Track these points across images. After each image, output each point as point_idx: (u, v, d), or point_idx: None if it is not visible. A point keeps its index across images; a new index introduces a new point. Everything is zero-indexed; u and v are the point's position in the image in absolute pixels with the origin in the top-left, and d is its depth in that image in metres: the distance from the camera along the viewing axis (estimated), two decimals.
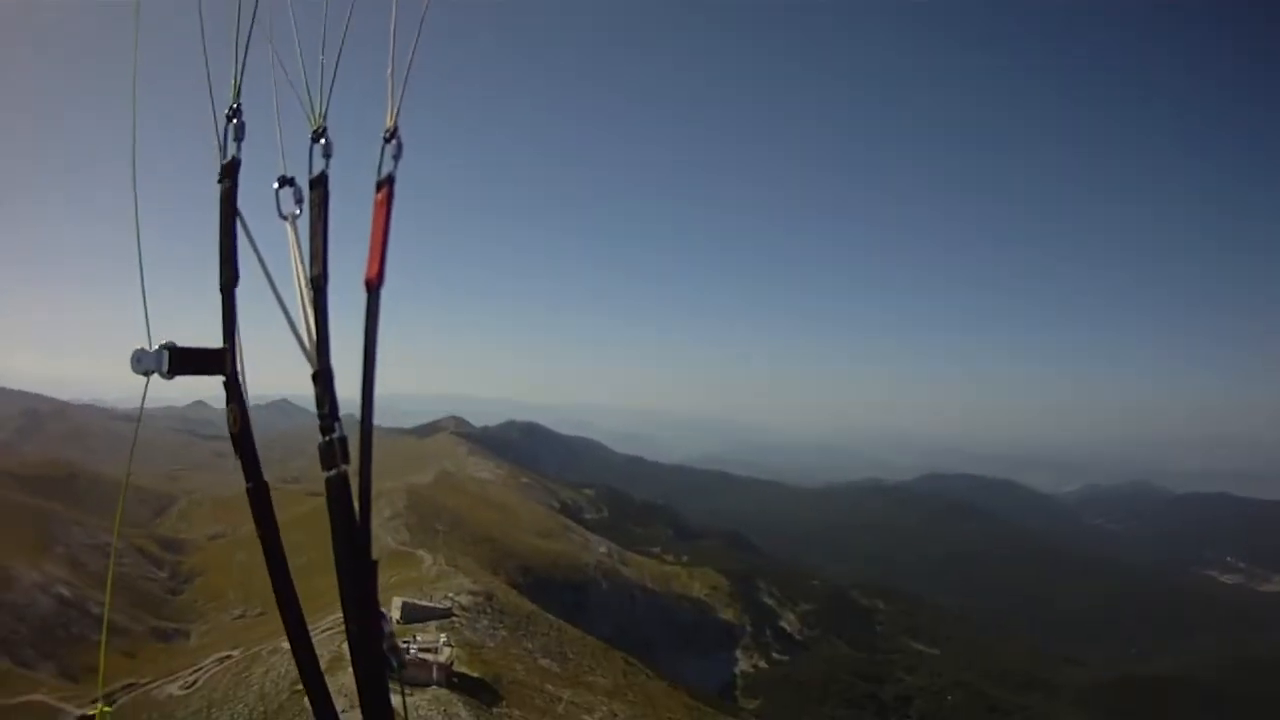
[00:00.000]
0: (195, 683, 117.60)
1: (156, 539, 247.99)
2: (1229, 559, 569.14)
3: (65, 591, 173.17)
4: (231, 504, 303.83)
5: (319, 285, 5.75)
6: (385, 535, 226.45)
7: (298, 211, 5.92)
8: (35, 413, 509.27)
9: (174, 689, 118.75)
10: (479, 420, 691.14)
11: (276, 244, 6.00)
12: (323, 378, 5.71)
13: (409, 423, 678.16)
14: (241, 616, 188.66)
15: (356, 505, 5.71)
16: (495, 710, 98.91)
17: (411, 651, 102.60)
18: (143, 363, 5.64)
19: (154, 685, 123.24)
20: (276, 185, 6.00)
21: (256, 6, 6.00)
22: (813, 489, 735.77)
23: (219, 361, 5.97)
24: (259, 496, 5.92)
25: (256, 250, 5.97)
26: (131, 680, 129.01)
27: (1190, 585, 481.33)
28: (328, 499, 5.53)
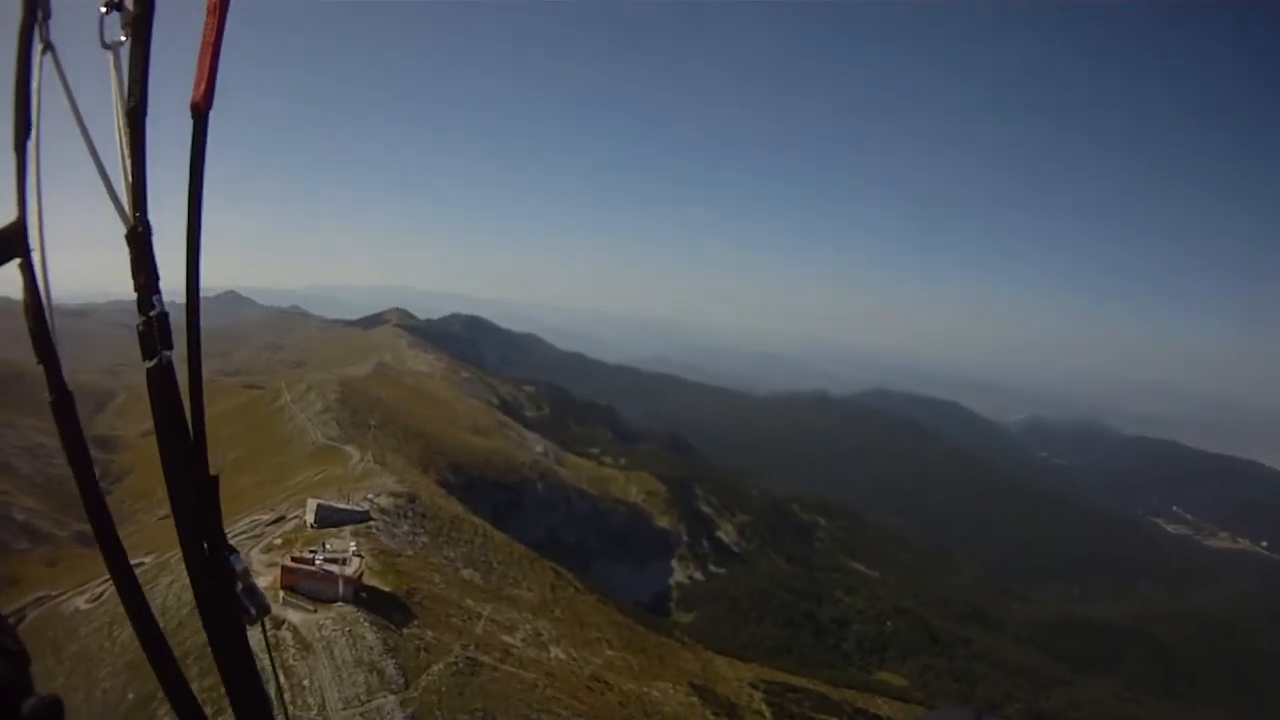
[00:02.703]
0: (102, 595, 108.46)
1: (90, 437, 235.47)
2: (1175, 509, 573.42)
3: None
4: None
5: (136, 119, 4.74)
6: (314, 429, 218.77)
7: (123, 39, 4.83)
8: None
9: (81, 602, 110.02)
10: (424, 314, 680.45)
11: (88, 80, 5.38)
12: (139, 237, 4.80)
13: (353, 314, 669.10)
14: (167, 517, 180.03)
15: (187, 403, 5.04)
16: (405, 630, 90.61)
17: (317, 562, 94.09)
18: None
19: (63, 598, 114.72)
20: (103, 9, 4.89)
21: None
22: (758, 397, 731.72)
23: (13, 240, 5.01)
24: (63, 410, 5.14)
25: (66, 85, 5.04)
26: (44, 592, 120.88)
27: (1136, 531, 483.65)
28: (150, 394, 4.83)
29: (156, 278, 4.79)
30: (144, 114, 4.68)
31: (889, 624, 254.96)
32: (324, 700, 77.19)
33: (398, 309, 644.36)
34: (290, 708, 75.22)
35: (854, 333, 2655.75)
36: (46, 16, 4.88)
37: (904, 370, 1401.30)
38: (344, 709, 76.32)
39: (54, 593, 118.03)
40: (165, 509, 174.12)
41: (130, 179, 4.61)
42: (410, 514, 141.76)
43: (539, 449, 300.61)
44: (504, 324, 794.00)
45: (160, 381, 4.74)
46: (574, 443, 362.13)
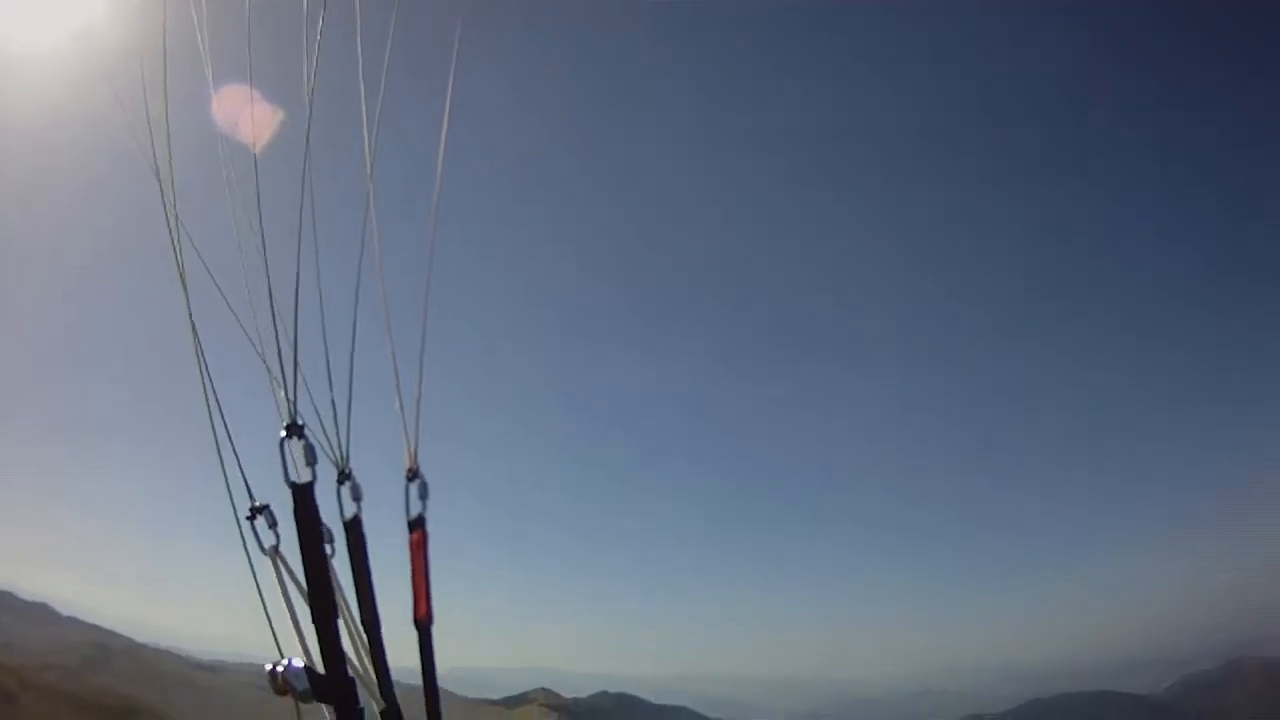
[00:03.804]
0: None
1: None
2: None
3: None
4: None
5: (371, 628, 5.67)
6: None
7: (330, 553, 5.50)
8: (105, 647, 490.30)
9: None
10: (570, 691, 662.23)
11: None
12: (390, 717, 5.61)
13: (497, 694, 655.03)
14: None
15: None
16: None
17: None
18: (284, 679, 5.08)
19: None
20: (248, 515, 5.58)
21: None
22: None
23: (344, 690, 5.37)
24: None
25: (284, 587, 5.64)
26: None
27: None
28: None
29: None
30: (377, 623, 5.66)
31: None
32: None
33: (543, 688, 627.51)
34: None
35: (1001, 650, 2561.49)
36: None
37: (1055, 674, 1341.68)
38: None
39: None
40: None
41: (374, 676, 5.53)
42: None
43: None
44: (656, 699, 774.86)
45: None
46: None
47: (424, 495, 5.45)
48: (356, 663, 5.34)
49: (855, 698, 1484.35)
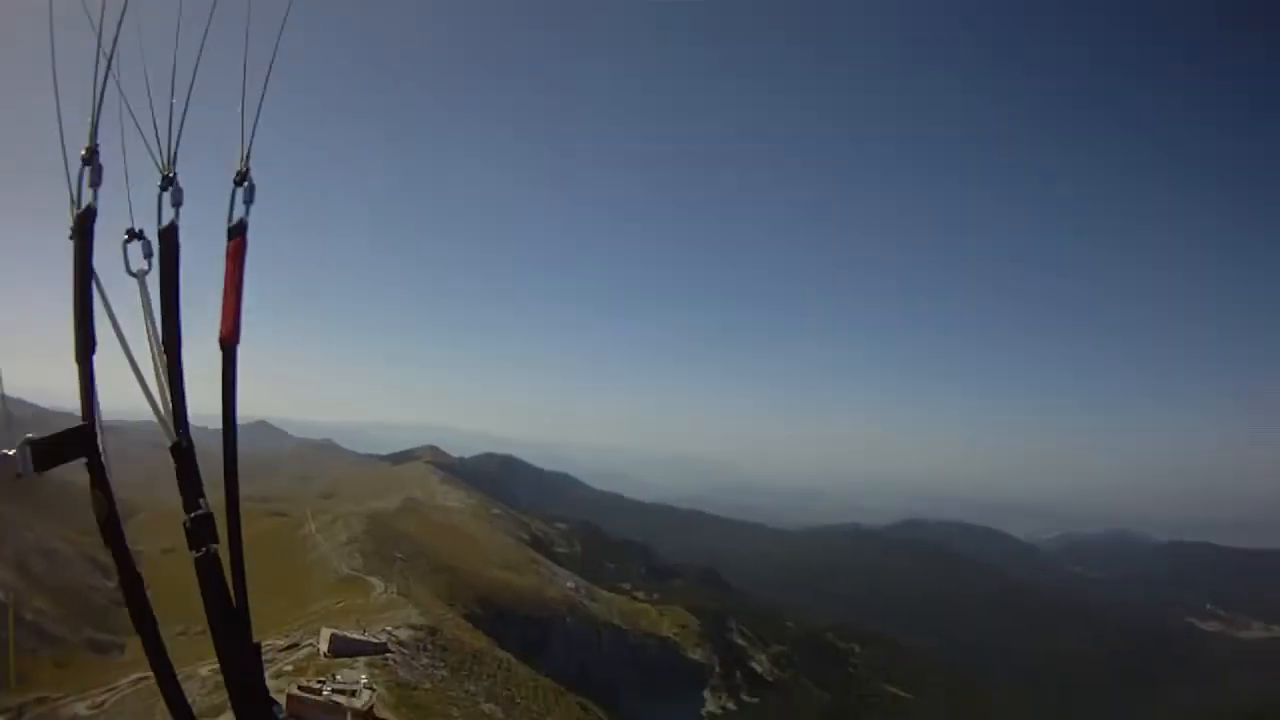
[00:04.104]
0: (104, 703, 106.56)
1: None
2: (1209, 606, 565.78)
3: (1, 595, 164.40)
4: None
5: (172, 349, 5.66)
6: (337, 560, 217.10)
7: (146, 267, 5.72)
8: (14, 419, 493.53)
9: (81, 708, 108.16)
10: (458, 452, 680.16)
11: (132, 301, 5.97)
12: (182, 453, 5.78)
13: (386, 450, 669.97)
14: (183, 633, 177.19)
15: (230, 585, 5.96)
16: None
17: (325, 692, 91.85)
18: (5, 466, 5.43)
19: (64, 701, 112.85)
20: (125, 238, 5.75)
21: (115, 46, 5.62)
22: (792, 532, 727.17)
23: (82, 441, 5.59)
24: (134, 593, 5.83)
25: (111, 313, 5.63)
26: (46, 693, 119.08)
27: (1171, 634, 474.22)
28: (199, 581, 5.73)
29: (200, 485, 5.74)
30: (178, 344, 5.60)
31: None
32: None
33: (431, 446, 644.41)
34: None
35: (885, 464, 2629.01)
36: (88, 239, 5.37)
37: (936, 498, 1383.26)
38: None
39: (56, 695, 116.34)
40: (180, 626, 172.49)
41: (170, 404, 5.55)
42: (430, 647, 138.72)
43: (570, 584, 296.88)
44: (539, 464, 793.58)
45: (207, 569, 5.68)
46: (606, 578, 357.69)
47: (250, 200, 5.72)
48: (155, 390, 5.55)
49: (736, 486, 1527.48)
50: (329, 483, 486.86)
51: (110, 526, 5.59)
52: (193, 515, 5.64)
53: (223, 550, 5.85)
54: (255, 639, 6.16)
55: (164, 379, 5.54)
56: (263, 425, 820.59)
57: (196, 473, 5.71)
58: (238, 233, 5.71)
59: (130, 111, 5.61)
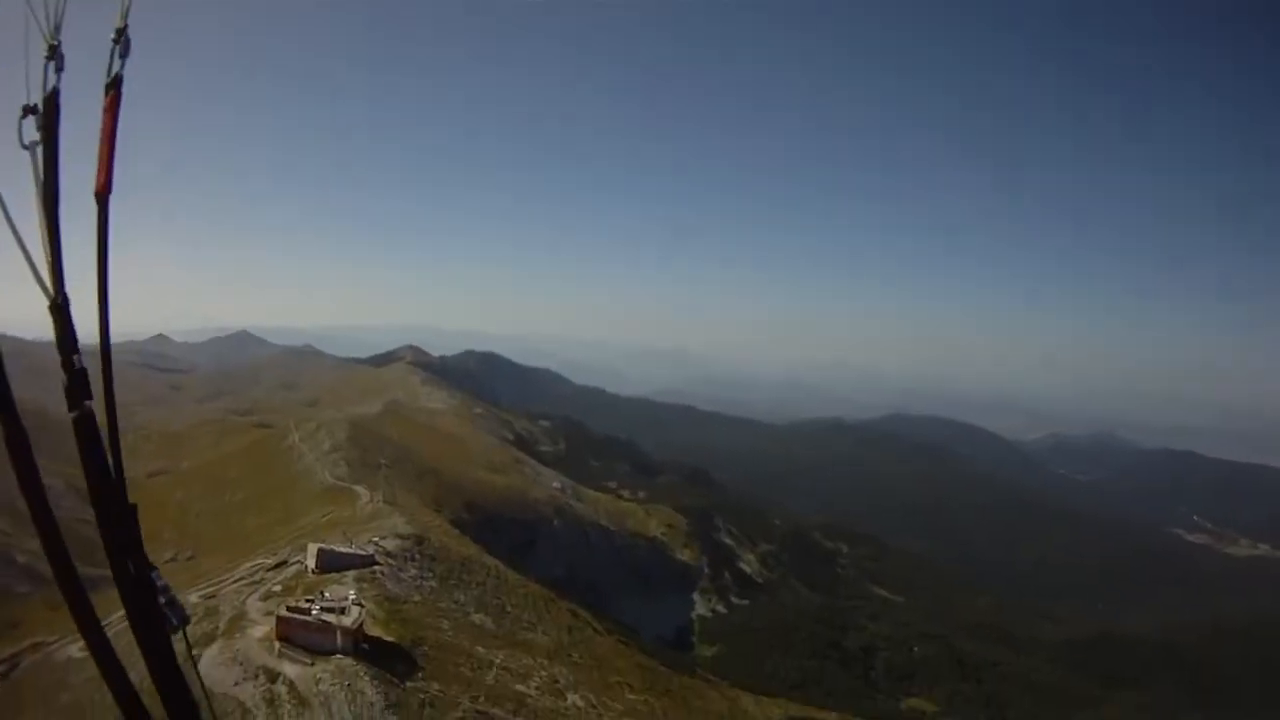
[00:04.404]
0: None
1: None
2: (1196, 518, 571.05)
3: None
4: (178, 438, 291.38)
5: (50, 207, 5.66)
6: (322, 469, 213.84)
7: (39, 139, 5.78)
8: None
9: (74, 649, 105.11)
10: (439, 352, 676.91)
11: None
12: (59, 309, 5.69)
13: (368, 353, 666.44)
14: (173, 559, 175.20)
15: (107, 442, 5.88)
16: (409, 683, 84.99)
17: (314, 612, 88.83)
18: None
19: (58, 645, 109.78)
20: (20, 114, 5.77)
21: None
22: (777, 425, 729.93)
23: None
24: (48, 528, 5.83)
25: None
26: (40, 639, 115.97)
27: (1158, 543, 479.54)
28: (76, 439, 5.64)
29: (75, 342, 5.74)
30: (56, 203, 5.62)
31: (916, 650, 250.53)
32: None
33: (411, 346, 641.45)
34: None
35: (870, 357, 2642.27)
36: None
37: (922, 393, 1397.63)
38: None
39: (50, 639, 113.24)
40: (170, 551, 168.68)
41: (50, 260, 5.50)
42: (418, 557, 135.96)
43: (556, 484, 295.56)
44: (521, 360, 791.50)
45: (83, 427, 5.64)
46: (592, 477, 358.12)
47: (125, 54, 5.81)
48: (41, 248, 5.59)
49: (720, 379, 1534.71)
50: (312, 390, 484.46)
51: (16, 451, 5.49)
52: (70, 372, 5.67)
53: (100, 410, 5.88)
54: (131, 502, 6.10)
55: (45, 237, 5.54)
56: (244, 335, 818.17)
57: (73, 331, 5.72)
58: (113, 87, 5.81)
59: None
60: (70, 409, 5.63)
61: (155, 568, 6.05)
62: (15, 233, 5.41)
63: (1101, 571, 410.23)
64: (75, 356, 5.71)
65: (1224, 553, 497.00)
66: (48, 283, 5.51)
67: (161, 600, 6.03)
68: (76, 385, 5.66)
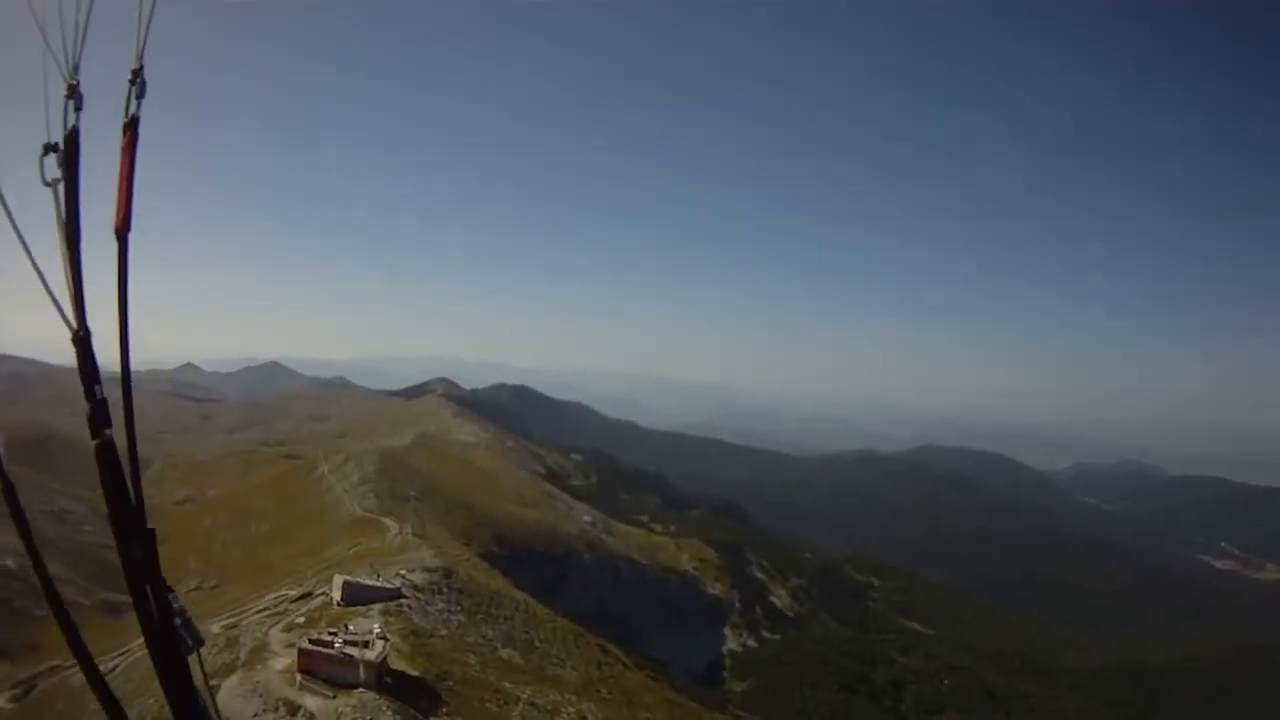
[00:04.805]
0: (115, 668, 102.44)
1: None
2: (1223, 544, 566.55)
3: (11, 563, 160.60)
4: (206, 468, 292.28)
5: (72, 242, 5.73)
6: (351, 501, 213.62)
7: (60, 176, 5.87)
8: (22, 376, 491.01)
9: None
10: (471, 384, 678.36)
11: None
12: (81, 341, 5.77)
13: (399, 386, 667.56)
14: (197, 588, 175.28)
15: (127, 470, 5.93)
16: (433, 718, 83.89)
17: (337, 645, 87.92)
18: None
19: (74, 669, 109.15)
20: (41, 152, 5.86)
21: None
22: (806, 459, 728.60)
23: None
24: (38, 561, 6.21)
25: (9, 214, 5.97)
26: (58, 662, 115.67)
27: (1185, 570, 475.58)
28: (98, 465, 5.71)
29: (97, 372, 5.86)
30: (78, 238, 5.71)
31: (945, 682, 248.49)
32: None
33: (443, 379, 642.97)
34: None
35: (898, 392, 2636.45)
36: None
37: (950, 425, 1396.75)
38: None
39: (67, 663, 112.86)
40: (195, 581, 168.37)
41: (72, 293, 5.66)
42: (446, 590, 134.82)
43: (587, 518, 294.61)
44: (551, 393, 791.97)
45: (104, 455, 5.72)
46: (623, 511, 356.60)
47: (141, 95, 5.96)
48: (63, 282, 5.73)
49: (749, 412, 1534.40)
50: (343, 422, 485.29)
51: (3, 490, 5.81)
52: (92, 402, 5.74)
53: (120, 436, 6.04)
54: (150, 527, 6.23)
55: (68, 273, 5.66)
56: (275, 366, 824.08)
57: (95, 362, 5.86)
58: (130, 128, 5.93)
59: (36, 21, 5.92)
60: (93, 436, 5.71)
61: (173, 590, 6.14)
62: (37, 267, 5.56)
63: (1130, 599, 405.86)
64: (97, 386, 5.78)
65: (1252, 578, 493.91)
66: (70, 316, 5.65)
67: (177, 622, 6.10)
68: (98, 414, 5.75)
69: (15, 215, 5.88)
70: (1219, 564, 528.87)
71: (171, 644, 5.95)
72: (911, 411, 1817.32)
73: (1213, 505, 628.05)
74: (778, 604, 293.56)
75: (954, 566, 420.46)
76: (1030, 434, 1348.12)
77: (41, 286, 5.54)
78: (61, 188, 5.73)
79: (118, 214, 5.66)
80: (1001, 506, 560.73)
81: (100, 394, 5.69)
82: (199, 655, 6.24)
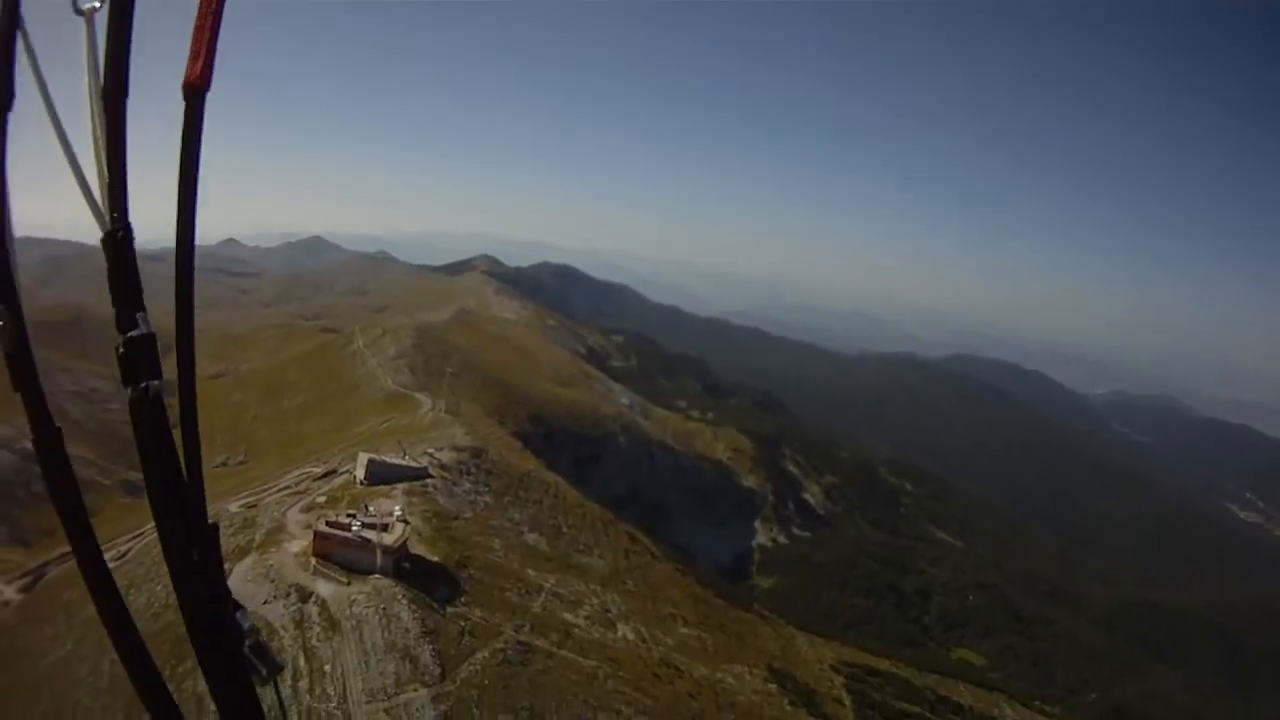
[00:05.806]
0: (127, 552, 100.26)
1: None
2: (1249, 495, 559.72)
3: (31, 446, 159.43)
4: (240, 341, 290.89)
5: (114, 101, 3.95)
6: (385, 376, 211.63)
7: (97, 4, 3.96)
8: (58, 259, 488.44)
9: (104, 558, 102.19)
10: (515, 262, 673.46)
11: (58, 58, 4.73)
12: (117, 242, 4.00)
13: (442, 261, 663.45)
14: (223, 464, 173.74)
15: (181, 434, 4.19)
16: (450, 609, 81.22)
17: (354, 527, 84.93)
18: None
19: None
20: None
21: None
22: (847, 355, 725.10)
23: None
24: (49, 446, 4.33)
25: (34, 61, 4.08)
26: (68, 549, 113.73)
27: (1211, 516, 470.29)
28: (134, 431, 3.99)
29: (140, 291, 4.04)
30: (125, 95, 3.91)
31: (971, 598, 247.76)
32: (345, 690, 68.50)
33: (486, 255, 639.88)
34: (306, 696, 67.13)
35: (944, 297, 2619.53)
36: None
37: (991, 337, 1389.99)
38: (367, 702, 67.45)
39: None
40: (220, 457, 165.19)
41: (107, 173, 3.88)
42: (474, 470, 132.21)
43: (625, 400, 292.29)
44: (597, 274, 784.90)
45: (146, 415, 3.92)
46: (661, 395, 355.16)
47: None
48: (95, 159, 3.93)
49: (793, 304, 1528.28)
50: (383, 296, 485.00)
51: (21, 364, 4.03)
52: (128, 336, 3.92)
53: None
54: (211, 517, 4.27)
55: (102, 141, 3.86)
56: (318, 240, 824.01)
57: (136, 275, 4.01)
58: None
59: None
60: (125, 383, 3.94)
61: (242, 607, 4.35)
62: (63, 137, 3.89)
63: (1155, 537, 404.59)
64: (141, 314, 3.98)
65: (1274, 534, 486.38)
66: (103, 205, 3.88)
67: (247, 645, 4.33)
68: (137, 355, 3.93)
69: (40, 61, 4.01)
70: (1244, 514, 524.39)
71: (239, 674, 4.23)
72: (957, 318, 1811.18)
73: (1239, 454, 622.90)
74: (810, 501, 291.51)
75: (987, 479, 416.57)
76: (1068, 354, 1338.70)
77: (65, 158, 3.87)
78: (104, 18, 3.85)
79: (193, 61, 3.81)
80: (1037, 424, 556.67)
81: (146, 326, 3.93)
82: (275, 685, 4.58)
